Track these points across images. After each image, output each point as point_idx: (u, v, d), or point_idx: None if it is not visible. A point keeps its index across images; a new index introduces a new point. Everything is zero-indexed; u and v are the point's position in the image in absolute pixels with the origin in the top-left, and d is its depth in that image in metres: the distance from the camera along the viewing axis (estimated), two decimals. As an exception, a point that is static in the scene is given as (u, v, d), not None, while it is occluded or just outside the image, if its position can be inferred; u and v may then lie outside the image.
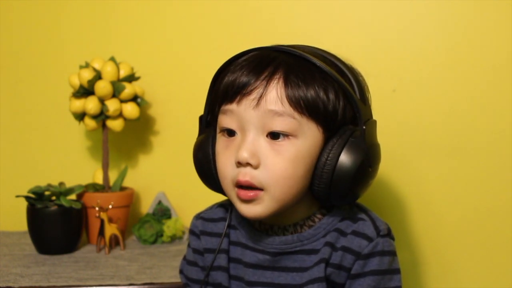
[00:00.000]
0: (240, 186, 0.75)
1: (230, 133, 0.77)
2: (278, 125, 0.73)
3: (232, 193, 0.77)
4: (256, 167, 0.74)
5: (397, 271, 0.79)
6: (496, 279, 1.19)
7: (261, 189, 0.74)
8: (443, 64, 1.19)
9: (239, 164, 0.74)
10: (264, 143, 0.74)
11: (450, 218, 1.20)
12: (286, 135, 0.74)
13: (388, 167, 1.19)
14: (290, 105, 0.73)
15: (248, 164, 0.74)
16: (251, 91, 0.74)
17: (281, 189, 0.74)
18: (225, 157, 0.77)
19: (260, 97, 0.74)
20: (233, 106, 0.75)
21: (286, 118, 0.73)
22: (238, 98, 0.75)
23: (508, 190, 1.17)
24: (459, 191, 1.19)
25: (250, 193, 0.75)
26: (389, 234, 0.80)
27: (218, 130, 0.79)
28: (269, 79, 0.74)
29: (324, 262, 0.77)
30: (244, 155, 0.73)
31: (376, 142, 0.79)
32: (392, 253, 0.79)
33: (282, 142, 0.74)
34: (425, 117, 1.20)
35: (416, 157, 1.20)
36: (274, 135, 0.74)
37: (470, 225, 1.19)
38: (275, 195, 0.74)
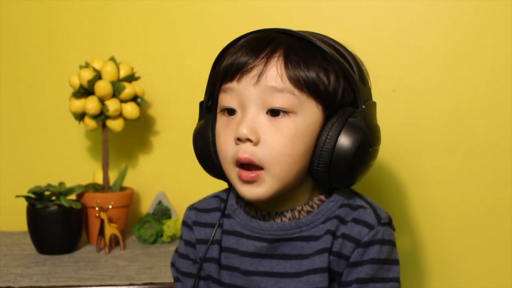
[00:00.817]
0: (241, 165, 0.74)
1: (230, 112, 0.76)
2: (278, 102, 0.73)
3: (233, 173, 0.76)
4: (255, 144, 0.73)
5: (396, 262, 0.78)
6: (497, 276, 1.19)
7: (261, 168, 0.74)
8: (443, 64, 1.19)
9: (239, 140, 0.73)
10: (264, 119, 0.74)
11: (451, 217, 1.20)
12: (286, 112, 0.73)
13: (389, 167, 1.19)
14: (290, 81, 0.73)
15: (247, 140, 0.73)
16: (251, 68, 0.74)
17: (281, 166, 0.73)
18: (226, 136, 0.76)
19: (260, 74, 0.73)
20: (233, 84, 0.75)
21: (286, 95, 0.73)
22: (238, 76, 0.75)
23: (508, 188, 1.17)
24: (460, 191, 1.20)
25: (252, 174, 0.74)
26: (390, 224, 0.79)
27: (218, 110, 0.79)
28: (268, 57, 0.74)
29: (327, 252, 0.76)
30: (244, 131, 0.72)
31: (376, 123, 0.78)
32: (392, 243, 0.78)
33: (282, 119, 0.73)
34: (425, 117, 1.20)
35: (417, 157, 1.20)
36: (274, 112, 0.73)
37: (471, 224, 1.20)
38: (275, 173, 0.73)
